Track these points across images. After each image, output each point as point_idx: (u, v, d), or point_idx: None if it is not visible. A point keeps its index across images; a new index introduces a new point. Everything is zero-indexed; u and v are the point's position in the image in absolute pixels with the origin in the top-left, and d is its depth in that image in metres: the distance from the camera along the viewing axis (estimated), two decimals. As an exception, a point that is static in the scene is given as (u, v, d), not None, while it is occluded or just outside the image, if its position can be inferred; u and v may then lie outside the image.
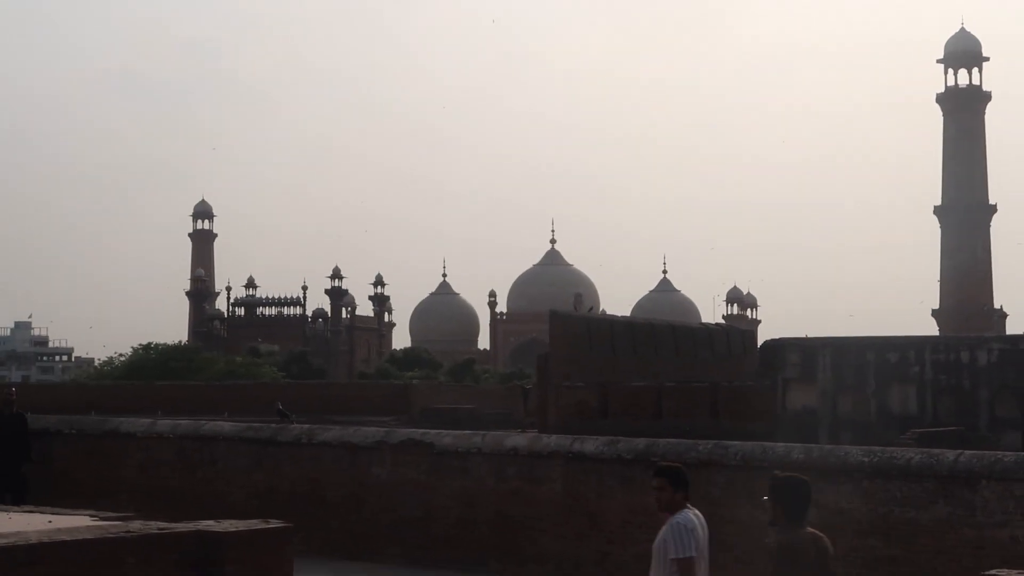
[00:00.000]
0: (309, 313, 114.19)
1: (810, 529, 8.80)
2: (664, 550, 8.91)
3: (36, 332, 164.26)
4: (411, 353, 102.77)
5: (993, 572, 6.10)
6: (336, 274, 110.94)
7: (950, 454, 12.50)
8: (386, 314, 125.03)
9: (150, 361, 75.65)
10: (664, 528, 8.98)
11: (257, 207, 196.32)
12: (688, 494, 8.95)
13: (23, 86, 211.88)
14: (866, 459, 12.60)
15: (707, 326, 74.57)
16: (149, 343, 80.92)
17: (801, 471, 12.75)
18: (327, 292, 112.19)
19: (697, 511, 9.02)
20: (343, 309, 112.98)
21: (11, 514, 9.49)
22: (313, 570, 13.53)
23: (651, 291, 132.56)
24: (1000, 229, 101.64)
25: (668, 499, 8.96)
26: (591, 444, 14.38)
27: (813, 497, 12.40)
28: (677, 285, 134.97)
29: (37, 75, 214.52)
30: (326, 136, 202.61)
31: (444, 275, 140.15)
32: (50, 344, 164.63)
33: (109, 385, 63.41)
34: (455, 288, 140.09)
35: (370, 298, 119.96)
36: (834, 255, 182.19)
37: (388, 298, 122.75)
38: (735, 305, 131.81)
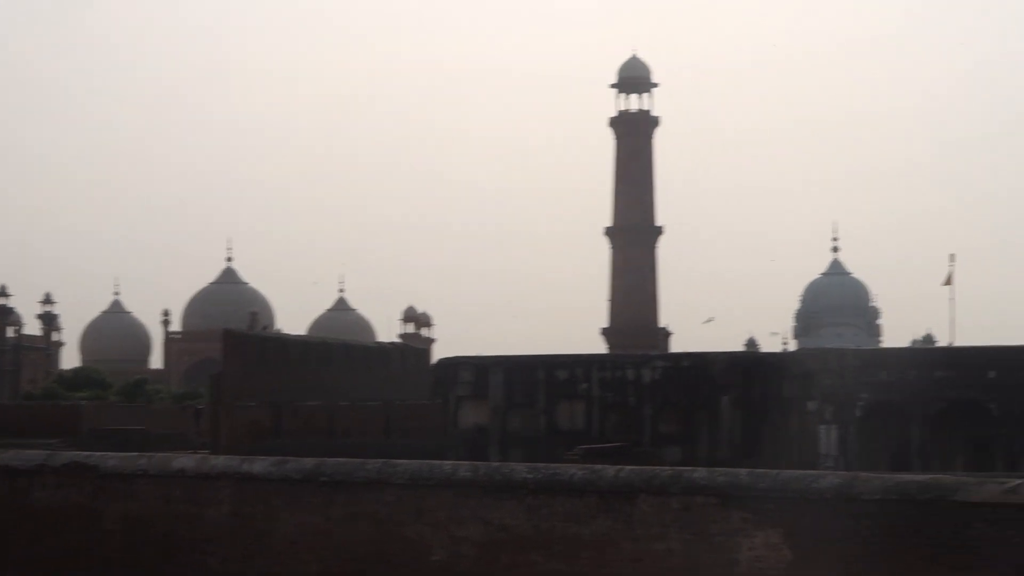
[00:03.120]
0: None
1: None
2: None
3: None
4: (81, 373, 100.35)
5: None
6: (2, 292, 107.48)
7: (611, 470, 12.79)
8: (55, 333, 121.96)
9: None
10: None
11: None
12: None
13: None
14: (530, 476, 12.79)
15: (382, 345, 74.96)
16: None
17: (468, 489, 12.91)
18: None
19: None
20: (8, 328, 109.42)
21: None
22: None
23: (328, 310, 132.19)
24: (665, 251, 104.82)
25: None
26: (260, 465, 14.23)
27: (480, 513, 12.61)
28: (353, 304, 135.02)
29: None
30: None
31: (116, 293, 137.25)
32: None
33: None
34: (127, 306, 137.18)
35: (38, 316, 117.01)
36: (511, 274, 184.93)
37: (57, 316, 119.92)
38: (411, 324, 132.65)
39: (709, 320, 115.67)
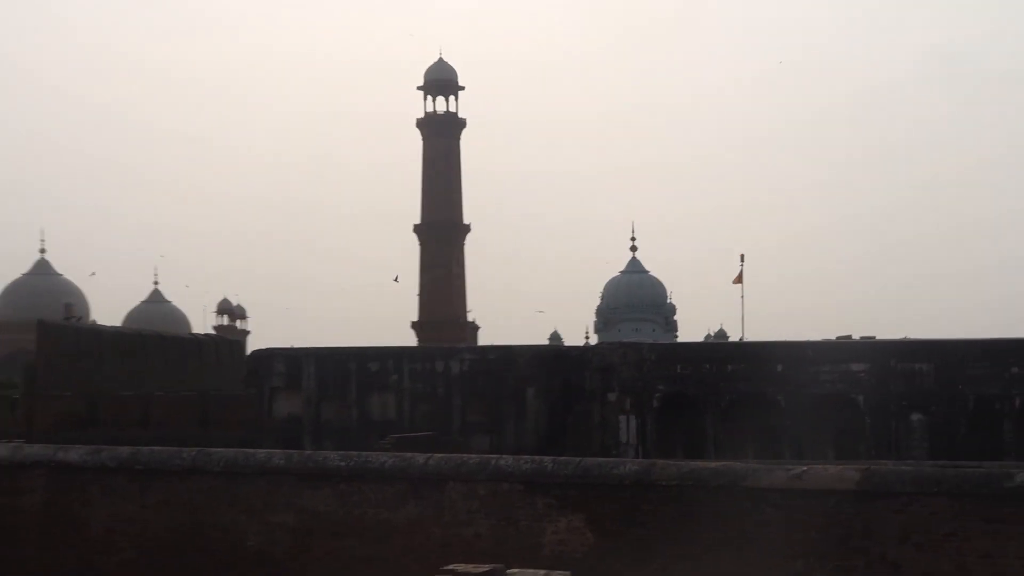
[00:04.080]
0: None
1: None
2: None
3: None
4: None
5: (451, 567, 6.33)
6: None
7: (421, 457, 12.83)
8: None
9: None
10: None
11: None
12: None
13: None
14: (343, 463, 12.77)
15: (197, 336, 73.95)
16: None
17: (282, 476, 12.82)
18: None
19: None
20: None
21: None
22: None
23: (143, 302, 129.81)
24: (472, 246, 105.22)
25: None
26: (75, 453, 13.97)
27: (294, 500, 12.54)
28: (168, 296, 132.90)
29: None
30: None
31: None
32: None
33: None
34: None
35: None
36: (325, 269, 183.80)
37: None
38: (225, 316, 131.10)
39: (396, 279, 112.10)
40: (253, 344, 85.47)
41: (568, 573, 6.23)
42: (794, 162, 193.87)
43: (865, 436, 39.16)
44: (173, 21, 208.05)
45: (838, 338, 50.56)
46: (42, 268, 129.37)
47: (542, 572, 5.79)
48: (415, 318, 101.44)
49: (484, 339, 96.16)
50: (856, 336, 51.10)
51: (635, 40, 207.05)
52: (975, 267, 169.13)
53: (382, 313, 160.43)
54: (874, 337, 47.73)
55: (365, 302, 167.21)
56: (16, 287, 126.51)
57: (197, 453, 13.32)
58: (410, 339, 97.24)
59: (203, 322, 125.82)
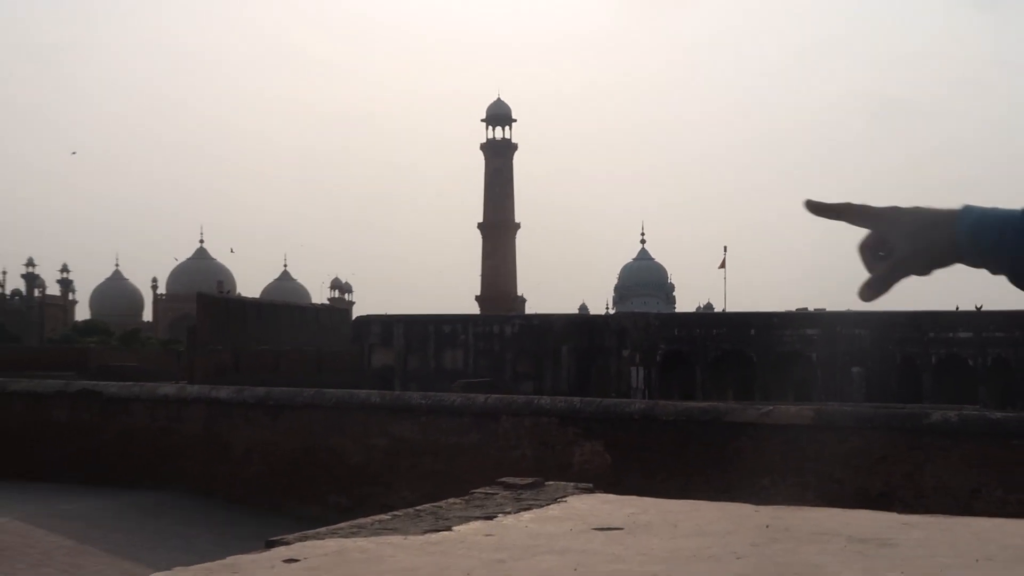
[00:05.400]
0: (7, 292, 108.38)
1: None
2: None
3: None
4: (90, 324, 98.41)
5: (504, 479, 6.30)
6: (30, 263, 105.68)
7: (481, 397, 12.83)
8: (71, 293, 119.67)
9: None
10: None
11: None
12: None
13: None
14: (423, 401, 12.78)
15: (315, 306, 74.32)
16: None
17: (377, 411, 12.87)
18: (23, 276, 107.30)
19: None
20: (36, 290, 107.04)
21: None
22: (6, 489, 12.77)
23: (275, 279, 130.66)
24: (521, 239, 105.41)
25: None
26: (224, 392, 14.04)
27: (386, 428, 12.58)
28: (294, 275, 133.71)
29: None
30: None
31: (117, 264, 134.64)
32: None
33: None
34: (125, 275, 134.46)
35: (58, 281, 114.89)
36: (412, 256, 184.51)
37: (72, 281, 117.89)
38: (336, 290, 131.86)
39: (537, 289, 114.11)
40: (357, 311, 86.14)
41: (591, 485, 6.27)
42: (773, 163, 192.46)
43: (817, 385, 38.96)
44: (303, 64, 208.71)
45: (797, 309, 50.34)
46: (201, 254, 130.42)
47: (572, 484, 5.81)
48: (478, 293, 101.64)
49: (529, 309, 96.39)
50: (811, 308, 50.85)
51: (645, 76, 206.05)
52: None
53: (454, 289, 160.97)
54: (824, 309, 47.51)
55: (441, 280, 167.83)
56: (181, 268, 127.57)
57: (314, 393, 13.38)
58: (474, 308, 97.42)
59: (320, 294, 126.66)
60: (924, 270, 1.70)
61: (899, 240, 1.69)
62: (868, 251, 1.73)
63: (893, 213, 1.71)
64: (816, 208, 1.75)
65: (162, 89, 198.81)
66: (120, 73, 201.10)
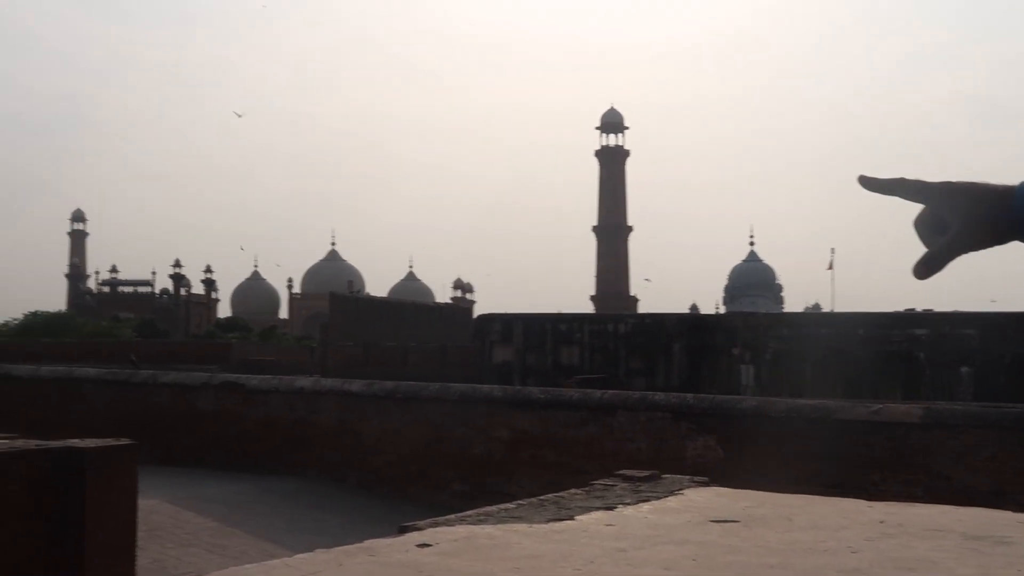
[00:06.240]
0: (157, 291, 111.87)
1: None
2: None
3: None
4: (231, 321, 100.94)
5: (622, 471, 6.27)
6: (177, 264, 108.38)
7: (597, 392, 12.79)
8: (214, 293, 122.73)
9: (37, 325, 72.04)
10: None
11: (121, 209, 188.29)
12: None
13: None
14: (542, 396, 12.80)
15: (439, 304, 75.04)
16: (35, 311, 77.08)
17: (499, 404, 12.93)
18: (170, 276, 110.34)
19: None
20: (182, 289, 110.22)
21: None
22: (156, 473, 13.13)
23: (401, 280, 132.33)
24: (634, 242, 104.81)
25: None
26: (356, 385, 14.26)
27: (507, 421, 12.62)
28: (419, 276, 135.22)
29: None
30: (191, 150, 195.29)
31: (256, 266, 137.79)
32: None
33: (4, 341, 60.21)
34: (263, 275, 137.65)
35: (202, 281, 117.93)
36: (530, 259, 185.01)
37: (215, 281, 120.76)
38: (459, 290, 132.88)
39: (647, 280, 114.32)
40: (478, 310, 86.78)
41: (706, 478, 6.17)
42: (875, 167, 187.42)
43: (925, 384, 37.93)
44: (428, 80, 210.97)
45: (905, 310, 49.02)
46: (332, 256, 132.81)
47: (687, 477, 5.72)
48: (593, 292, 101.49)
49: (642, 308, 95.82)
50: (918, 308, 49.49)
51: (753, 83, 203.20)
52: None
53: (570, 289, 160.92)
54: (932, 309, 46.09)
55: (558, 281, 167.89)
56: (315, 269, 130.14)
57: (440, 387, 13.49)
58: (589, 307, 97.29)
59: (443, 294, 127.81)
60: (980, 246, 1.61)
61: (954, 216, 1.59)
62: (924, 227, 1.64)
63: (947, 189, 1.61)
64: (869, 184, 1.67)
65: (299, 106, 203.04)
66: (259, 90, 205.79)
